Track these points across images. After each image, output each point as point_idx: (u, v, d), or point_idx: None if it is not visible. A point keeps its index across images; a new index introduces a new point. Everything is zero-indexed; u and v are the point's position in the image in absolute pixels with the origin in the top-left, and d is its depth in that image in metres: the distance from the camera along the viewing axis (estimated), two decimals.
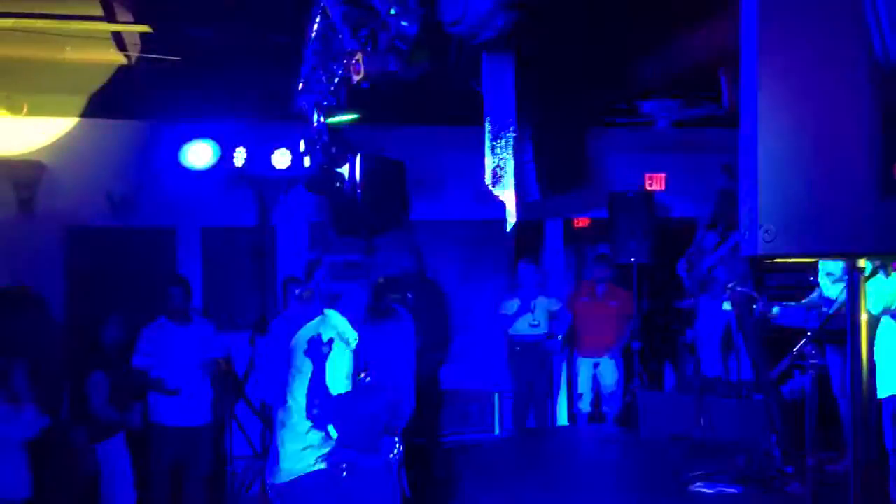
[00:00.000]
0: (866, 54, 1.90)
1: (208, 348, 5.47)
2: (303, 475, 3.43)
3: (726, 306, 5.84)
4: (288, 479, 3.48)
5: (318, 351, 3.34)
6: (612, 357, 7.35)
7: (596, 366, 7.42)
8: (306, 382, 3.36)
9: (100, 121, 7.09)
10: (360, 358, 3.35)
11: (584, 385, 7.54)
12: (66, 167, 7.07)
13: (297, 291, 5.64)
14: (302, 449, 3.45)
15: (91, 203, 7.23)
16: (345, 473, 3.27)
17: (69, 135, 7.06)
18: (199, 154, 6.66)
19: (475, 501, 5.55)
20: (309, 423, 3.39)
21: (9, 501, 3.82)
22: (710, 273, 6.69)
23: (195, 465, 5.43)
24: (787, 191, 1.93)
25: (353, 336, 3.42)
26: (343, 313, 3.51)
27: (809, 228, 1.90)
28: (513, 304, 7.23)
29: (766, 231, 1.93)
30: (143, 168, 7.11)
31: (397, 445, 3.33)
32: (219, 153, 6.69)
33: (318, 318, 3.55)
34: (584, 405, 7.56)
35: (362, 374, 3.27)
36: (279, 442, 3.55)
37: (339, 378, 3.29)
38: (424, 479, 6.77)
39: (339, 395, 3.26)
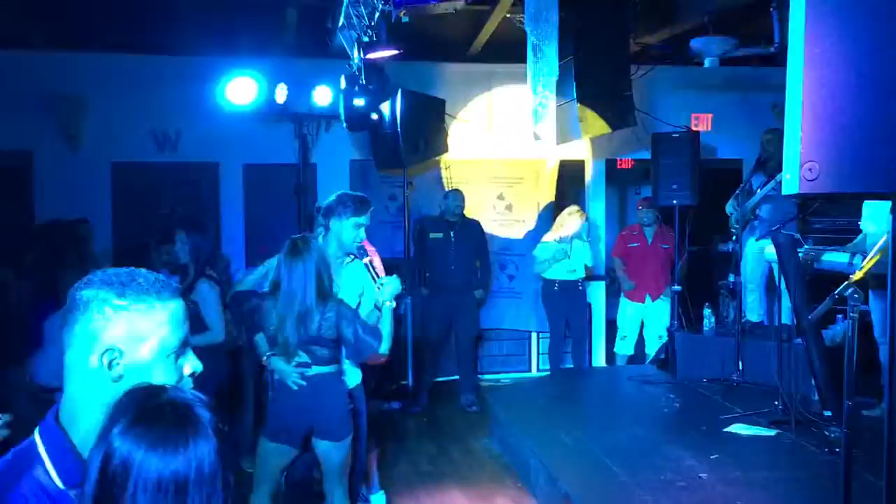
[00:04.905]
0: None
1: None
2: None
3: (769, 250, 5.75)
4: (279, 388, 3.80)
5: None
6: (664, 300, 7.32)
7: (646, 309, 7.43)
8: None
9: (144, 56, 7.14)
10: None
11: (629, 328, 7.54)
12: (111, 103, 7.15)
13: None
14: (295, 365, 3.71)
15: (136, 139, 7.33)
16: (304, 382, 3.64)
17: (114, 70, 7.12)
18: (241, 90, 6.68)
19: (510, 437, 5.64)
20: None
21: None
22: (754, 212, 6.57)
23: (206, 386, 5.47)
24: (832, 129, 1.88)
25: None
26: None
27: (853, 167, 1.86)
28: (550, 247, 7.20)
29: (810, 169, 1.89)
30: (186, 104, 7.16)
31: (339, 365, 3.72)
32: (261, 90, 6.71)
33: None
34: (628, 348, 7.57)
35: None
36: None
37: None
38: (459, 415, 6.91)
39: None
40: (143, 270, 1.46)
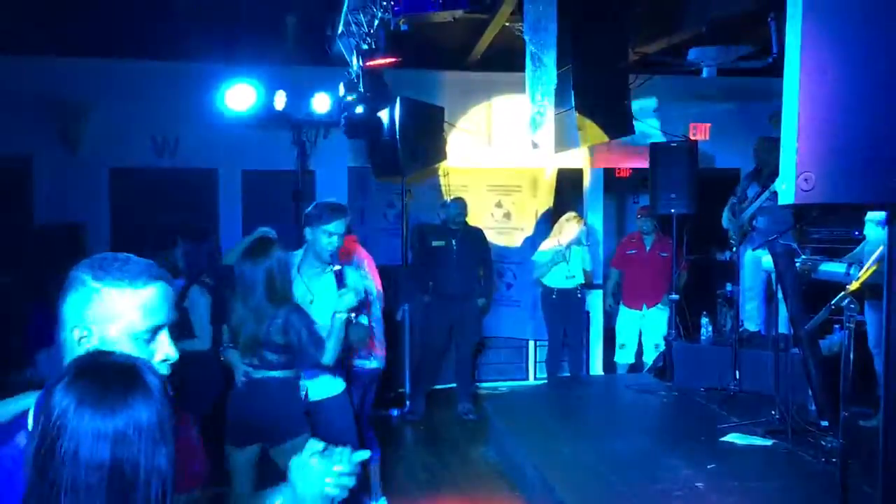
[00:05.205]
0: None
1: None
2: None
3: (766, 259, 5.77)
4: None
5: None
6: (661, 308, 7.33)
7: (643, 317, 7.44)
8: None
9: (144, 62, 7.14)
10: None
11: (627, 336, 7.55)
12: (111, 108, 7.15)
13: None
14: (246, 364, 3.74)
15: (135, 144, 7.32)
16: (245, 379, 3.67)
17: (114, 76, 7.13)
18: (240, 97, 6.69)
19: (507, 446, 5.63)
20: None
21: None
22: (751, 223, 6.58)
23: (194, 393, 5.39)
24: (828, 139, 1.89)
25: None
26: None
27: (849, 177, 1.87)
28: (547, 253, 7.21)
29: (805, 180, 1.90)
30: (186, 110, 7.16)
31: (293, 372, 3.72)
32: (259, 96, 6.71)
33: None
34: (628, 356, 7.58)
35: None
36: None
37: None
38: (456, 423, 6.89)
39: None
40: (133, 257, 1.54)
